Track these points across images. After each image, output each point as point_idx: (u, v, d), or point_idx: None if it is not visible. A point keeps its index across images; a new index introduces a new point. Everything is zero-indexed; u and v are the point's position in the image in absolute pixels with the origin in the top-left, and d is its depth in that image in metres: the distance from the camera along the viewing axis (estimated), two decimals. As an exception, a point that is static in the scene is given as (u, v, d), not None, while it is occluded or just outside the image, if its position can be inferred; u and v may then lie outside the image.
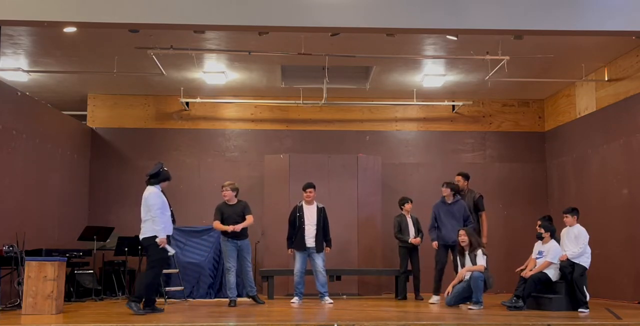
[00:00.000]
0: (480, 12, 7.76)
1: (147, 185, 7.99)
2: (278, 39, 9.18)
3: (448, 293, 8.85)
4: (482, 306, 8.43)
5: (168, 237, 7.92)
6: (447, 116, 12.87)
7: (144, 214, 7.86)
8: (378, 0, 7.75)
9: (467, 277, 8.78)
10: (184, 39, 9.18)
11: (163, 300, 9.36)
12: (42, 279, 7.55)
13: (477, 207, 10.06)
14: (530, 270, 8.53)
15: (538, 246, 8.74)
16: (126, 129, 12.56)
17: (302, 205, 9.54)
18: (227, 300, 8.97)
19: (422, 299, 10.02)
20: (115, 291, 10.36)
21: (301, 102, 11.98)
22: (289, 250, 9.54)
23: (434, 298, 9.48)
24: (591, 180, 11.07)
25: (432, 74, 11.27)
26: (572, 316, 7.57)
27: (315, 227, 9.37)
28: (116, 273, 10.57)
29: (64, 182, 11.15)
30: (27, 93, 10.37)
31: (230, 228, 8.80)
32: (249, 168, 12.42)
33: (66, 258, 8.24)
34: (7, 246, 8.28)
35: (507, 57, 9.59)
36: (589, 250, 8.45)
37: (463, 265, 8.91)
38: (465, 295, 8.73)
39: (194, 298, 10.11)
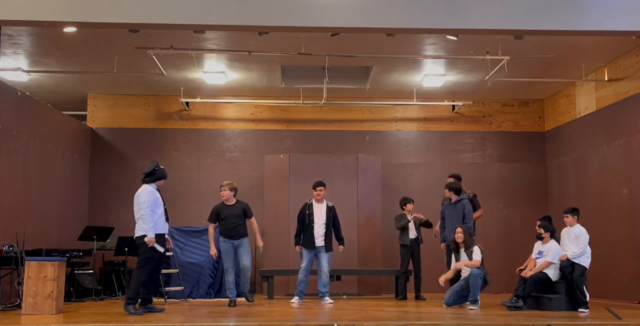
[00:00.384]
0: (480, 12, 7.76)
1: (143, 184, 7.97)
2: (278, 39, 9.18)
3: (443, 283, 8.87)
4: (478, 305, 8.46)
5: (163, 235, 7.89)
6: (447, 116, 12.87)
7: (135, 212, 7.84)
8: (378, 0, 7.75)
9: (464, 275, 8.79)
10: (184, 39, 9.18)
11: (163, 300, 9.36)
12: (42, 279, 7.54)
13: (473, 206, 10.06)
14: (530, 270, 8.53)
15: (538, 246, 8.74)
16: (126, 129, 12.56)
17: (312, 203, 9.54)
18: (227, 300, 8.96)
19: (424, 299, 10.00)
20: (115, 291, 10.36)
21: (301, 102, 11.98)
22: (297, 247, 9.55)
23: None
24: (591, 180, 11.07)
25: (432, 74, 11.27)
26: (572, 316, 7.56)
27: (324, 226, 9.37)
28: (116, 273, 10.57)
29: (64, 182, 11.15)
30: (27, 93, 10.37)
31: (213, 251, 8.88)
32: (249, 168, 12.42)
33: (66, 258, 8.24)
34: (7, 247, 8.28)
35: (507, 57, 9.59)
36: (589, 250, 8.45)
37: (458, 261, 8.96)
38: (464, 294, 8.73)
39: (194, 298, 10.12)
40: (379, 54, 9.89)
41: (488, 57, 9.66)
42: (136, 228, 7.83)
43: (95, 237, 9.91)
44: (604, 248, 9.87)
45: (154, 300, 8.15)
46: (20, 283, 7.96)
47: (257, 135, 12.69)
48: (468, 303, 8.63)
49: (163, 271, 9.65)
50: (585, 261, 8.39)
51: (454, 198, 9.61)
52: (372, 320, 6.67)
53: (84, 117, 12.64)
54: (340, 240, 9.54)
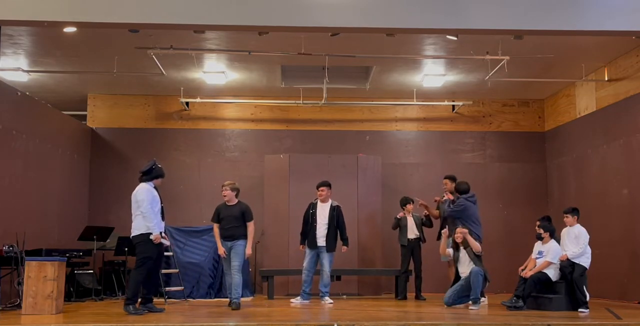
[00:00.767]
0: (480, 12, 7.76)
1: (140, 182, 7.95)
2: (278, 39, 9.18)
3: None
4: (482, 302, 8.46)
5: (160, 233, 7.84)
6: (447, 116, 12.87)
7: (133, 211, 7.81)
8: (378, 0, 7.75)
9: (464, 275, 8.80)
10: (184, 39, 9.18)
11: (163, 300, 9.36)
12: (42, 279, 7.54)
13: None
14: (530, 270, 8.54)
15: (538, 246, 8.75)
16: (126, 129, 12.56)
17: (316, 203, 9.55)
18: (227, 300, 8.91)
19: (424, 299, 10.00)
20: (115, 291, 10.37)
21: (301, 102, 11.98)
22: (301, 246, 9.54)
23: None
24: (591, 180, 11.07)
25: (432, 74, 11.27)
26: (572, 316, 7.56)
27: (326, 226, 9.37)
28: (116, 273, 10.58)
29: (64, 182, 11.15)
30: (27, 93, 10.37)
31: (221, 250, 8.53)
32: (249, 168, 12.41)
33: (66, 258, 8.24)
34: (7, 246, 8.28)
35: (507, 57, 9.59)
36: (589, 250, 8.45)
37: (457, 260, 8.99)
38: (464, 294, 8.73)
39: (194, 298, 10.11)
40: (379, 54, 9.89)
41: (488, 57, 9.66)
42: (133, 226, 7.81)
43: (95, 237, 9.91)
44: (604, 248, 9.87)
45: (154, 300, 8.15)
46: (20, 283, 7.95)
47: (257, 135, 12.69)
48: (470, 302, 8.63)
49: (163, 271, 9.66)
50: (585, 261, 8.40)
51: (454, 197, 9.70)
52: (372, 320, 6.67)
53: (84, 117, 12.64)
54: (344, 241, 9.52)
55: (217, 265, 10.43)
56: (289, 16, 7.67)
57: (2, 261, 8.29)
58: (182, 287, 9.99)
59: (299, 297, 9.41)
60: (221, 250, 8.56)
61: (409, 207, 10.42)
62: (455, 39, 8.71)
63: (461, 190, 9.64)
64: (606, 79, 10.69)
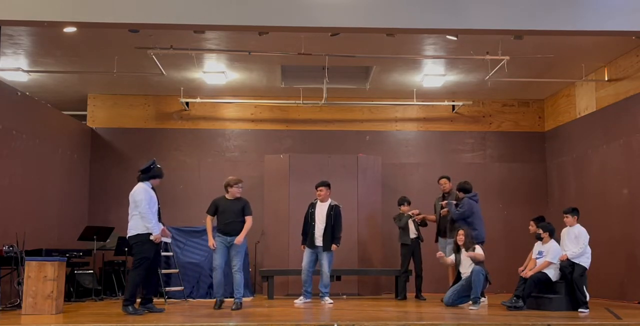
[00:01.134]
0: (480, 12, 7.75)
1: (138, 182, 7.93)
2: (278, 39, 9.18)
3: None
4: (482, 302, 8.46)
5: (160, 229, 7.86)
6: (447, 116, 12.87)
7: (131, 210, 7.77)
8: (378, 0, 7.75)
9: (465, 275, 8.81)
10: (184, 39, 9.18)
11: (163, 300, 9.36)
12: (42, 279, 7.54)
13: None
14: (530, 270, 8.54)
15: (538, 246, 8.75)
16: (126, 129, 12.56)
17: (316, 202, 9.55)
18: (226, 300, 8.75)
19: (425, 299, 9.99)
20: (115, 291, 10.37)
21: (301, 102, 11.98)
22: (302, 246, 9.55)
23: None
24: (591, 180, 11.07)
25: (432, 74, 11.27)
26: (572, 316, 7.56)
27: (324, 225, 9.35)
28: (116, 273, 10.58)
29: (64, 182, 11.15)
30: (27, 93, 10.37)
31: (211, 242, 8.43)
32: (249, 168, 12.41)
33: (66, 258, 8.23)
34: (7, 247, 8.28)
35: (507, 57, 9.59)
36: (589, 250, 8.45)
37: (460, 262, 9.01)
38: (465, 294, 8.74)
39: (194, 298, 10.11)
40: (379, 54, 9.89)
41: (488, 57, 9.66)
42: (129, 226, 7.76)
43: (95, 237, 9.91)
44: (604, 248, 9.87)
45: (154, 300, 8.14)
46: (20, 283, 7.95)
47: (257, 135, 12.69)
48: (470, 302, 8.63)
49: (163, 271, 9.67)
50: (585, 261, 8.40)
51: (461, 195, 9.77)
52: (372, 320, 6.67)
53: (84, 117, 12.64)
54: (335, 239, 9.37)
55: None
56: (289, 16, 7.66)
57: (2, 261, 8.29)
58: (182, 287, 9.99)
59: (301, 297, 9.40)
60: (211, 242, 8.45)
61: (403, 208, 10.38)
62: (455, 39, 8.71)
63: (466, 189, 9.73)
64: (606, 79, 10.69)
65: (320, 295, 9.39)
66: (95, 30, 8.78)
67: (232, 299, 8.47)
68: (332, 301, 9.31)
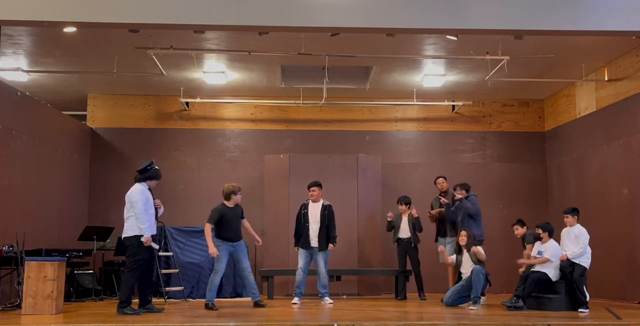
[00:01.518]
0: (480, 12, 7.76)
1: (135, 182, 7.92)
2: (278, 39, 9.18)
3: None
4: (482, 302, 8.46)
5: (152, 236, 7.81)
6: (447, 116, 12.87)
7: (126, 211, 7.74)
8: (378, 0, 7.75)
9: (465, 275, 8.81)
10: (184, 39, 9.18)
11: (163, 300, 9.36)
12: (42, 279, 7.54)
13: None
14: (528, 264, 8.62)
15: (537, 246, 8.75)
16: (126, 129, 12.56)
17: (308, 203, 9.52)
18: (227, 300, 8.81)
19: (425, 299, 9.97)
20: (115, 292, 10.34)
21: (301, 102, 11.98)
22: (296, 247, 9.52)
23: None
24: (591, 180, 11.07)
25: (432, 74, 11.27)
26: (572, 316, 7.56)
27: (318, 226, 9.31)
28: (116, 273, 10.56)
29: (64, 182, 11.15)
30: (27, 93, 10.37)
31: (213, 251, 8.42)
32: (249, 168, 12.41)
33: (66, 258, 8.24)
34: (7, 247, 8.28)
35: (507, 57, 9.59)
36: (589, 250, 8.45)
37: (460, 263, 9.01)
38: (465, 294, 8.74)
39: (194, 298, 10.11)
40: (379, 54, 9.89)
41: (488, 57, 9.66)
42: (125, 227, 7.74)
43: (95, 237, 9.91)
44: (604, 248, 9.87)
45: (154, 300, 8.14)
46: (20, 283, 7.95)
47: (257, 135, 12.69)
48: (470, 302, 8.63)
49: (163, 271, 9.67)
50: (585, 261, 8.40)
51: (458, 196, 9.80)
52: (372, 320, 6.67)
53: (84, 117, 12.64)
54: (331, 239, 9.29)
55: (217, 265, 10.42)
56: (289, 16, 7.66)
57: (2, 261, 8.29)
58: (182, 287, 9.98)
59: (296, 298, 9.34)
60: (214, 251, 8.46)
61: (400, 208, 10.37)
62: (455, 39, 8.71)
63: (468, 188, 9.82)
64: (606, 79, 10.69)
65: (320, 295, 9.37)
66: (95, 30, 8.77)
67: (226, 299, 8.53)
68: (332, 301, 9.29)
